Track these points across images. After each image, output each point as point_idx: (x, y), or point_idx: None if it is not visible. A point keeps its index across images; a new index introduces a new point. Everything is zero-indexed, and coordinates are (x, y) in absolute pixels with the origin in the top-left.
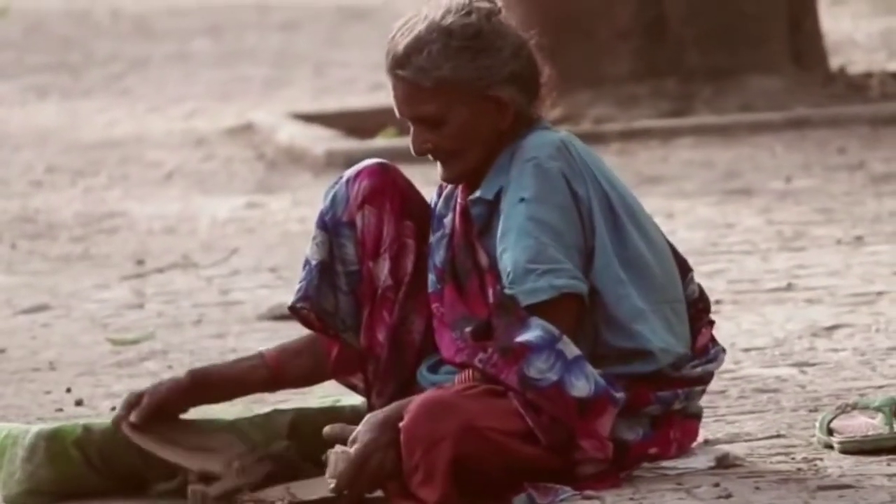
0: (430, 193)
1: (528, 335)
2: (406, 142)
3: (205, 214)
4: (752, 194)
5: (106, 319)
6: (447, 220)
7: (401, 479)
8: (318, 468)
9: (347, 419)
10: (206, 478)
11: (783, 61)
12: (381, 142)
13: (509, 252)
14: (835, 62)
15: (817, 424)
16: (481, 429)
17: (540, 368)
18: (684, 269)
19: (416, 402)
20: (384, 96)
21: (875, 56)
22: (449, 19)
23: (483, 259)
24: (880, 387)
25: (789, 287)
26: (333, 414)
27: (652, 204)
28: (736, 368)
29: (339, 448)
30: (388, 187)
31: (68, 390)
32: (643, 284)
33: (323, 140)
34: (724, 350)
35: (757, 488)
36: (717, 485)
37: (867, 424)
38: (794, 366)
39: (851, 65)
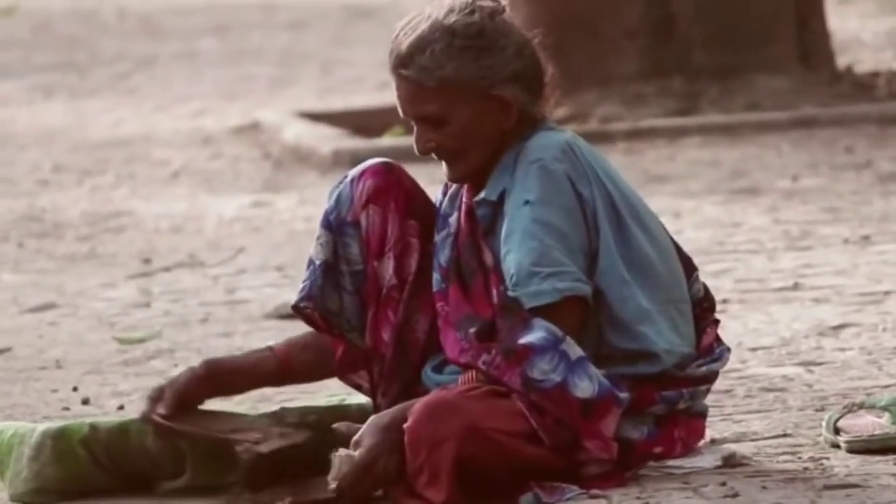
0: (435, 192)
1: (532, 337)
2: (412, 141)
3: (211, 213)
4: (759, 193)
5: (113, 318)
6: (452, 220)
7: (404, 482)
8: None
9: (354, 418)
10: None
11: (790, 61)
12: (388, 141)
13: (513, 254)
14: (842, 61)
15: (824, 424)
16: (485, 429)
17: (543, 370)
18: (689, 268)
19: (419, 403)
20: (390, 95)
21: (882, 55)
22: (452, 18)
23: (488, 258)
24: (887, 386)
25: (796, 286)
26: (340, 412)
27: (658, 203)
28: (742, 367)
29: (343, 451)
30: (392, 187)
31: (75, 389)
32: (648, 285)
33: (329, 139)
34: (729, 349)
35: (763, 487)
36: (723, 484)
37: (874, 424)
38: (800, 365)
39: (858, 64)
